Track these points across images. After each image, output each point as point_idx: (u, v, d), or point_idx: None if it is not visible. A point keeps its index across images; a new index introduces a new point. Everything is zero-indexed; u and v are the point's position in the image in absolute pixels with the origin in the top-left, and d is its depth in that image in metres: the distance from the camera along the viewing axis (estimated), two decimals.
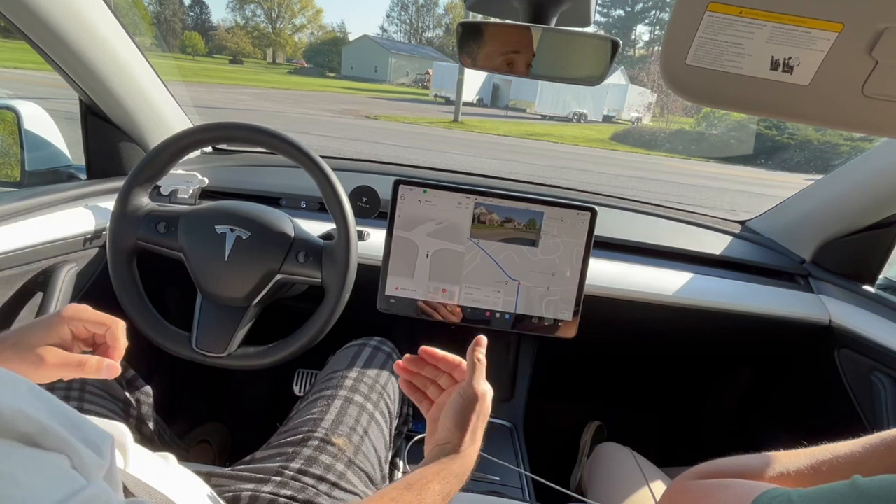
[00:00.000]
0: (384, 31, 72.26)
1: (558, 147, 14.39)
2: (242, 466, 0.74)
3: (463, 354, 1.24)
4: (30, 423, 0.30)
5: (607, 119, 26.24)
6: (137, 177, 0.86)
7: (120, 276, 0.86)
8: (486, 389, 0.61)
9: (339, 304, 0.86)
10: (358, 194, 1.04)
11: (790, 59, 0.38)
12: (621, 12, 50.42)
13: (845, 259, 1.19)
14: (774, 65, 0.39)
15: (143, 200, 0.88)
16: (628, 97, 27.91)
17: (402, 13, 70.57)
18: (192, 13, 60.36)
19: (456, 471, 0.56)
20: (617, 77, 29.49)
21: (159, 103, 1.14)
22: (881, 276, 1.19)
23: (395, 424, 0.87)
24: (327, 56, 55.48)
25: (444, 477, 0.54)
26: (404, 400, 0.94)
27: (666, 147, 18.99)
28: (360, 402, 0.80)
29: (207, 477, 0.71)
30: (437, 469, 0.54)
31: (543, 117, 23.52)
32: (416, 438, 1.02)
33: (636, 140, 19.80)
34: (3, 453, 0.28)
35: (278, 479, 0.71)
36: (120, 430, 0.47)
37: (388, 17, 72.69)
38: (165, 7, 54.39)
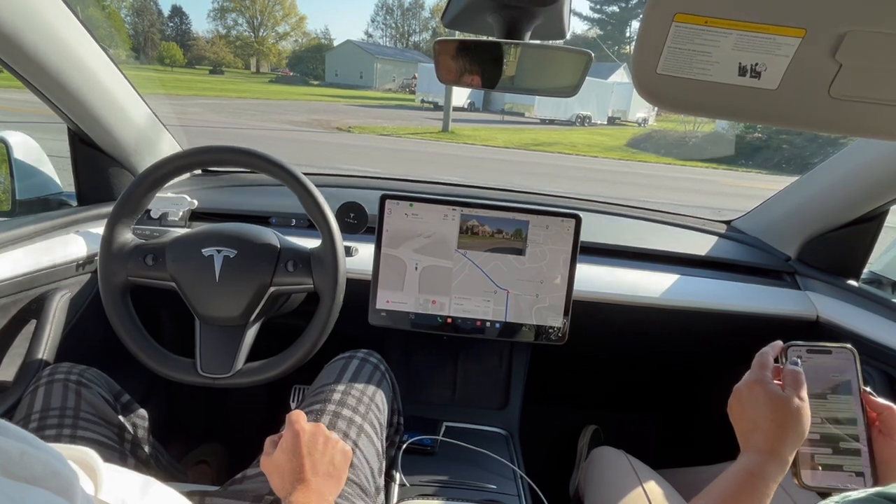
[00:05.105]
0: (369, 36, 70.74)
1: (573, 162, 11.33)
2: (235, 486, 0.75)
3: (455, 364, 1.26)
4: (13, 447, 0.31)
5: (612, 121, 24.43)
6: (118, 214, 0.86)
7: (117, 314, 0.86)
8: (303, 428, 0.67)
9: (334, 306, 0.87)
10: (345, 210, 1.05)
11: (757, 64, 0.40)
12: (615, 8, 49.67)
13: (830, 255, 1.21)
14: (742, 71, 0.40)
15: (128, 237, 0.88)
16: (634, 96, 24.58)
17: (388, 17, 69.50)
18: (171, 23, 59.07)
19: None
20: (620, 75, 27.11)
21: (145, 128, 1.15)
22: (865, 270, 1.21)
23: (385, 435, 0.88)
24: (311, 63, 54.46)
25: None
26: (394, 410, 0.95)
27: (702, 155, 14.36)
28: (348, 415, 0.81)
29: (201, 497, 0.72)
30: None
31: (543, 121, 22.10)
32: (408, 444, 1.03)
33: (659, 146, 16.26)
34: None
35: (272, 497, 0.71)
36: (87, 454, 0.47)
37: (372, 21, 71.07)
38: (143, 18, 53.83)
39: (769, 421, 0.56)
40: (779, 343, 0.63)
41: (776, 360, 0.63)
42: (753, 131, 13.74)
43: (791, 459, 0.56)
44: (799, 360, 0.61)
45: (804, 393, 0.57)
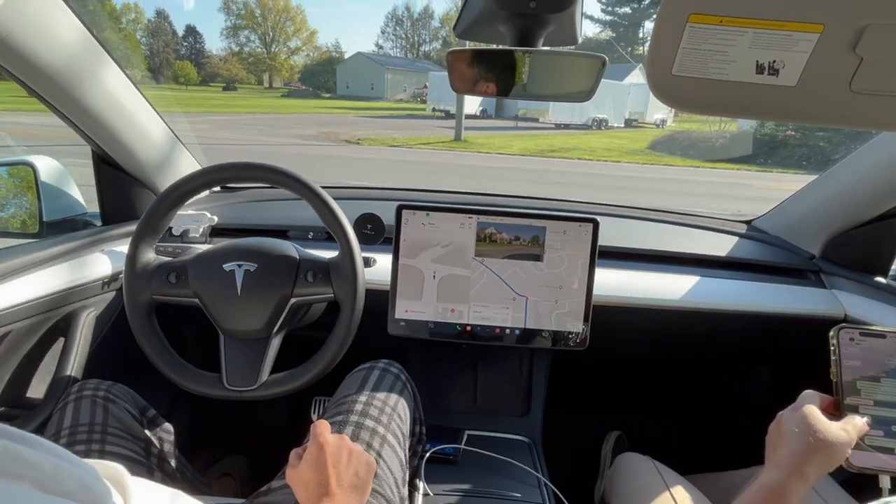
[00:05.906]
0: (380, 47, 70.49)
1: (595, 168, 10.71)
2: (261, 499, 0.75)
3: (475, 372, 1.26)
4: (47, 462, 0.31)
5: (629, 124, 23.41)
6: (142, 233, 0.88)
7: (143, 332, 0.88)
8: (327, 440, 0.65)
9: (355, 313, 0.87)
10: (363, 222, 1.06)
11: (775, 62, 0.39)
12: (627, 9, 49.02)
13: (855, 252, 1.18)
14: (760, 69, 0.40)
15: (151, 256, 0.90)
16: (651, 97, 24.53)
17: (397, 28, 69.54)
18: (185, 43, 59.97)
19: None
20: (635, 76, 26.14)
21: (165, 147, 1.18)
22: (894, 267, 1.18)
23: (408, 445, 0.88)
24: (323, 77, 54.89)
25: None
26: (416, 419, 0.95)
27: (729, 155, 13.16)
28: (371, 425, 0.82)
29: None
30: None
31: (558, 126, 21.40)
32: (430, 454, 1.02)
33: (682, 147, 15.13)
34: (20, 497, 0.29)
35: None
36: (117, 469, 0.48)
37: (382, 33, 70.81)
38: (158, 39, 55.07)
39: (802, 440, 0.55)
40: (827, 397, 0.62)
41: (831, 348, 0.63)
42: (786, 129, 12.80)
43: (815, 480, 0.55)
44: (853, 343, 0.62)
45: (856, 437, 0.56)
